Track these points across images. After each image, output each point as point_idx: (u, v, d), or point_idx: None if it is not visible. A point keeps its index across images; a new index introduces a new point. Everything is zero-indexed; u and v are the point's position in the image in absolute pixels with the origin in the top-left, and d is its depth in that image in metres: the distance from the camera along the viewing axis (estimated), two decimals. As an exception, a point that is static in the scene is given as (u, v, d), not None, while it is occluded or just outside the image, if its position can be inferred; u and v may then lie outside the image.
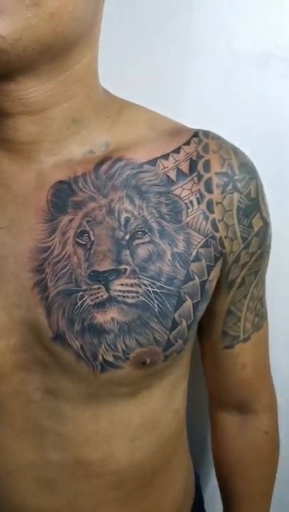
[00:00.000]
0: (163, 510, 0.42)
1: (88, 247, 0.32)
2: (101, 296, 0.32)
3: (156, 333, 0.33)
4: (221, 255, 0.35)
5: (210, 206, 0.34)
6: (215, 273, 0.36)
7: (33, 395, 0.35)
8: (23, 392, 0.35)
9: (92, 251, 0.32)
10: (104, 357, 0.32)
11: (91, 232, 0.33)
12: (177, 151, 0.35)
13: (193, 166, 0.35)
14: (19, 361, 0.34)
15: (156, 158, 0.34)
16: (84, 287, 0.32)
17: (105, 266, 0.32)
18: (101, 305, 0.32)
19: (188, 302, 0.34)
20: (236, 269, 0.37)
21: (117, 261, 0.32)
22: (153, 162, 0.34)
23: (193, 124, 0.38)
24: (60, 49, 0.29)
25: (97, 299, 0.32)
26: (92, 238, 0.33)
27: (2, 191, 0.34)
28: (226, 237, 0.35)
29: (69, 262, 0.32)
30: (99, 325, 0.32)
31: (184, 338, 0.34)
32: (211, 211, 0.34)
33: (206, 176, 0.35)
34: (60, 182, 0.33)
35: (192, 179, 0.34)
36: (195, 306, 0.34)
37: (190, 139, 0.36)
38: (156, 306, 0.32)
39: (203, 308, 0.36)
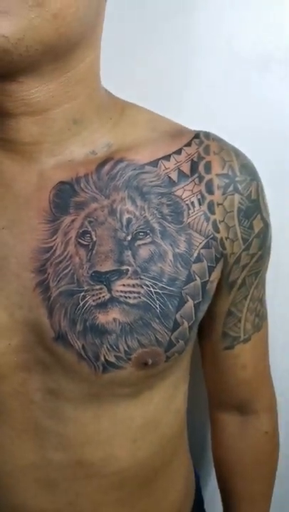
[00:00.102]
0: (163, 511, 0.42)
1: (90, 247, 0.32)
2: (103, 296, 0.32)
3: (158, 334, 0.33)
4: (222, 256, 0.36)
5: (211, 207, 0.34)
6: (216, 274, 0.36)
7: (34, 396, 0.35)
8: (24, 393, 0.35)
9: (94, 251, 0.32)
10: (106, 357, 0.32)
11: (93, 233, 0.33)
12: (178, 152, 0.35)
13: (194, 167, 0.35)
14: (20, 361, 0.34)
15: (158, 159, 0.34)
16: (86, 288, 0.32)
17: (107, 266, 0.32)
18: (103, 305, 0.32)
19: (190, 303, 0.34)
20: (237, 270, 0.37)
21: (119, 261, 0.32)
22: (154, 163, 0.34)
23: (193, 125, 0.38)
24: (63, 49, 0.29)
25: (99, 300, 0.32)
26: (94, 239, 0.33)
27: (3, 191, 0.34)
28: (226, 238, 0.35)
29: (71, 263, 0.32)
30: (101, 325, 0.32)
31: (185, 339, 0.34)
32: (212, 212, 0.34)
33: (207, 177, 0.35)
34: (62, 182, 0.33)
35: (193, 180, 0.34)
36: (196, 306, 0.34)
37: (191, 141, 0.36)
38: (157, 306, 0.33)
39: (204, 309, 0.36)
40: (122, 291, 0.32)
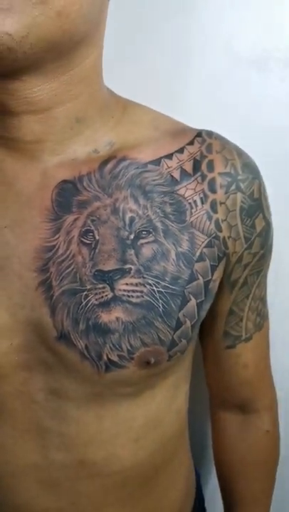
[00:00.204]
0: (165, 510, 0.42)
1: (93, 246, 0.32)
2: (106, 295, 0.32)
3: (161, 333, 0.33)
4: (224, 255, 0.36)
5: (213, 206, 0.34)
6: (218, 273, 0.36)
7: (36, 396, 0.34)
8: (26, 393, 0.34)
9: (96, 250, 0.32)
10: (109, 356, 0.32)
11: (96, 232, 0.32)
12: (181, 151, 0.35)
13: (196, 165, 0.35)
14: (22, 361, 0.34)
15: (160, 158, 0.34)
16: (89, 287, 0.32)
17: (110, 265, 0.32)
18: (106, 304, 0.32)
19: (193, 302, 0.34)
20: (239, 269, 0.37)
21: (121, 260, 0.32)
22: (157, 162, 0.34)
23: (193, 125, 0.38)
24: (67, 47, 0.29)
25: (102, 299, 0.32)
26: (97, 237, 0.32)
27: (5, 190, 0.34)
28: (229, 237, 0.35)
29: (74, 262, 0.32)
30: (104, 324, 0.32)
31: (187, 338, 0.34)
32: (215, 211, 0.34)
33: (210, 176, 0.35)
34: (65, 181, 0.33)
35: (196, 179, 0.34)
36: (199, 305, 0.34)
37: (193, 139, 0.36)
38: (160, 305, 0.32)
39: (206, 308, 0.36)
40: (124, 290, 0.32)
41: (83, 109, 0.33)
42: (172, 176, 0.34)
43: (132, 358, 0.32)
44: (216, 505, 0.51)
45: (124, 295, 0.32)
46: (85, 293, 0.32)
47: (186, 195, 0.34)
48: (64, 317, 0.32)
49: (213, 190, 0.34)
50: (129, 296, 0.32)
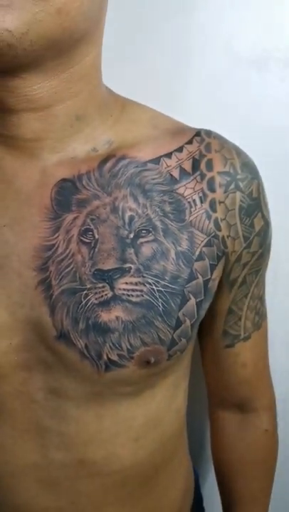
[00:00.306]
0: (164, 509, 0.42)
1: (92, 245, 0.32)
2: (105, 294, 0.32)
3: (161, 332, 0.33)
4: (224, 254, 0.36)
5: (213, 205, 0.34)
6: (217, 272, 0.36)
7: (36, 395, 0.34)
8: (25, 392, 0.34)
9: (96, 249, 0.32)
10: (109, 356, 0.32)
11: (95, 231, 0.32)
12: (180, 149, 0.35)
13: (196, 165, 0.35)
14: (21, 361, 0.34)
15: (160, 157, 0.34)
16: (88, 286, 0.32)
17: (110, 264, 0.32)
18: (105, 304, 0.32)
19: (192, 301, 0.34)
20: (238, 268, 0.37)
21: (121, 259, 0.32)
22: (156, 160, 0.34)
23: (193, 124, 0.38)
24: (67, 44, 0.29)
25: (102, 298, 0.32)
26: (97, 236, 0.32)
27: (4, 188, 0.33)
28: (228, 237, 0.35)
29: (73, 261, 0.32)
30: (103, 324, 0.32)
31: (187, 337, 0.34)
32: (214, 210, 0.34)
33: (209, 175, 0.35)
34: (64, 180, 0.33)
35: (195, 178, 0.34)
36: (198, 304, 0.34)
37: (192, 138, 0.36)
38: (160, 304, 0.32)
39: (206, 307, 0.36)
40: (124, 290, 0.32)
41: (83, 107, 0.33)
42: (171, 175, 0.34)
43: (132, 357, 0.32)
44: (214, 504, 0.51)
45: (124, 294, 0.32)
46: (84, 292, 0.32)
47: (185, 194, 0.34)
48: (64, 316, 0.32)
49: (213, 190, 0.34)
50: (129, 296, 0.32)
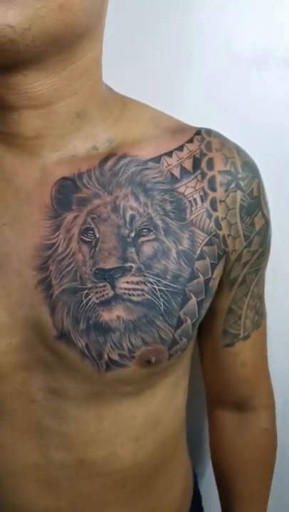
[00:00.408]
0: (164, 509, 0.42)
1: (93, 244, 0.32)
2: (106, 294, 0.32)
3: (162, 332, 0.33)
4: (224, 253, 0.36)
5: (213, 204, 0.34)
6: (218, 271, 0.36)
7: (36, 395, 0.34)
8: (25, 392, 0.34)
9: (97, 248, 0.32)
10: (110, 355, 0.32)
11: (96, 230, 0.32)
12: (180, 148, 0.35)
13: (196, 163, 0.35)
14: (21, 361, 0.33)
15: (161, 156, 0.34)
16: (89, 285, 0.32)
17: (111, 263, 0.32)
18: (106, 303, 0.32)
19: (193, 300, 0.34)
20: (238, 267, 0.37)
21: (122, 258, 0.32)
22: (157, 159, 0.34)
23: (193, 124, 0.38)
24: (69, 41, 0.28)
25: (103, 297, 0.32)
26: (97, 235, 0.32)
27: (4, 186, 0.33)
28: (228, 236, 0.35)
29: (74, 260, 0.32)
30: (104, 323, 0.32)
31: (188, 336, 0.34)
32: (215, 209, 0.34)
33: (210, 173, 0.35)
34: (64, 178, 0.33)
35: (196, 177, 0.34)
36: (199, 304, 0.34)
37: (193, 137, 0.36)
38: (161, 304, 0.32)
39: (206, 306, 0.36)
40: (125, 289, 0.32)
41: (84, 104, 0.32)
42: (172, 174, 0.34)
43: (133, 356, 0.32)
44: (212, 502, 0.51)
45: (125, 293, 0.32)
46: (85, 291, 0.32)
47: (186, 193, 0.34)
48: (64, 316, 0.32)
49: (213, 188, 0.34)
50: (130, 295, 0.32)
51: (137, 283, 0.32)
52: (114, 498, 0.38)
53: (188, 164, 0.34)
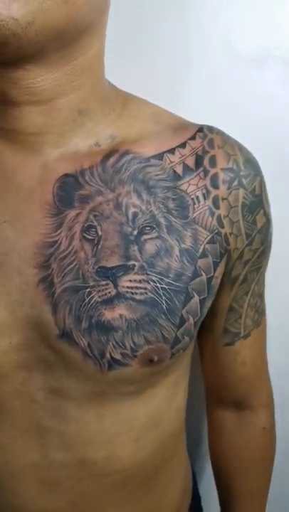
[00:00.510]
0: (164, 508, 0.42)
1: (96, 242, 0.32)
2: (109, 292, 0.31)
3: (165, 330, 0.32)
4: (226, 252, 0.35)
5: (216, 202, 0.34)
6: (220, 269, 0.36)
7: (36, 395, 0.34)
8: (25, 392, 0.34)
9: (99, 246, 0.32)
10: (112, 355, 0.31)
11: (98, 227, 0.32)
12: (183, 145, 0.35)
13: (199, 161, 0.34)
14: (21, 360, 0.33)
15: (163, 153, 0.34)
16: (91, 283, 0.31)
17: (113, 262, 0.31)
18: (109, 301, 0.31)
19: (196, 299, 0.34)
20: (239, 265, 0.37)
21: (125, 257, 0.32)
22: (160, 156, 0.34)
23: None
24: (72, 36, 0.28)
25: (105, 296, 0.31)
26: (100, 233, 0.32)
27: (5, 183, 0.33)
28: (230, 234, 0.35)
29: (76, 258, 0.32)
30: (107, 322, 0.31)
31: (190, 335, 0.34)
32: (217, 207, 0.34)
33: (212, 171, 0.34)
34: (66, 175, 0.32)
35: (198, 174, 0.34)
36: (202, 302, 0.34)
37: (195, 134, 0.35)
38: (164, 302, 0.32)
39: (208, 305, 0.36)
40: (128, 287, 0.31)
41: (86, 101, 0.32)
42: (175, 171, 0.34)
43: (136, 355, 0.32)
44: (211, 501, 0.51)
45: (127, 292, 0.31)
46: (87, 290, 0.31)
47: (188, 191, 0.34)
48: (66, 315, 0.31)
49: (216, 186, 0.34)
50: (132, 293, 0.31)
51: (140, 281, 0.32)
52: (115, 498, 0.37)
53: (190, 161, 0.34)
